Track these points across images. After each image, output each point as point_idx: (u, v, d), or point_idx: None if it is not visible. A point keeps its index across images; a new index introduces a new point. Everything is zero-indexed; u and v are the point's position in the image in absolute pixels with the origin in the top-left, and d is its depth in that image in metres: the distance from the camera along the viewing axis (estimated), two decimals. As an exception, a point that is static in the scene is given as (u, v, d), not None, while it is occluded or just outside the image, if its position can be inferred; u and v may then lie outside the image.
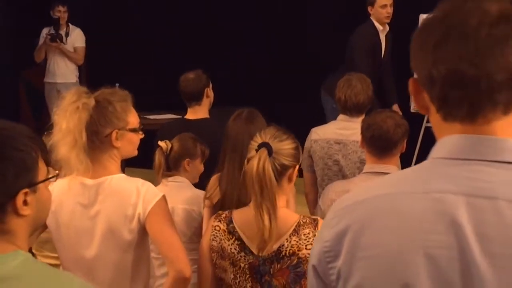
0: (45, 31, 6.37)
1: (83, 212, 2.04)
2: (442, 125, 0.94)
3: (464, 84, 0.89)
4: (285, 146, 1.97)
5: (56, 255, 2.27)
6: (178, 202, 2.77)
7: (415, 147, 5.24)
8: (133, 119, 2.14)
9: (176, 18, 6.69)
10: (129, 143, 2.12)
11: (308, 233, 1.96)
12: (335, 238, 0.94)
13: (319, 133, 3.29)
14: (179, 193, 2.80)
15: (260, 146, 1.93)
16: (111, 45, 6.69)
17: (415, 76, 0.98)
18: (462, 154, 0.91)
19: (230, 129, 2.59)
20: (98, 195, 2.03)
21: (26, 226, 1.32)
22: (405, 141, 2.61)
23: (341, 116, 3.29)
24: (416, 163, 5.06)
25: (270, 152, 1.92)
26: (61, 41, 6.28)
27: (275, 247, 1.95)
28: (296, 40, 6.21)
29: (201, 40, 6.51)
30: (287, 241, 1.95)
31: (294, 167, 2.01)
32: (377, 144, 2.54)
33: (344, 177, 3.13)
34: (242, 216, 2.01)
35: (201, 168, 2.94)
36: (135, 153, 2.19)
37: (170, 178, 2.84)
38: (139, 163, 4.56)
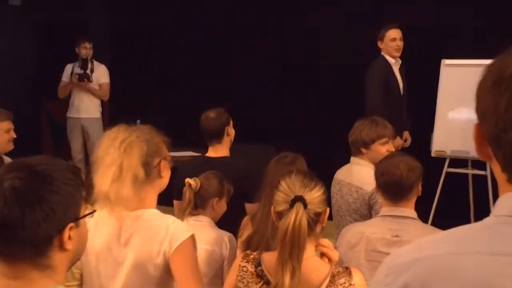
0: (69, 67, 6.47)
1: (115, 243, 2.06)
2: (506, 183, 0.89)
3: None
4: (316, 194, 1.94)
5: (71, 283, 2.26)
6: (200, 243, 2.72)
7: (435, 192, 5.19)
8: (167, 151, 2.20)
9: (196, 55, 6.79)
10: (167, 174, 2.16)
11: (344, 283, 1.93)
12: None
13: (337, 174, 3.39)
14: (202, 233, 2.75)
15: (295, 200, 1.89)
16: (131, 81, 6.81)
17: (479, 122, 0.93)
18: None
19: (271, 169, 2.66)
20: (131, 228, 2.04)
21: (67, 261, 1.34)
22: (420, 184, 2.61)
23: (353, 158, 3.35)
24: (437, 208, 5.08)
25: (305, 205, 1.89)
26: (89, 80, 6.37)
27: None
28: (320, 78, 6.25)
29: (221, 76, 6.59)
30: None
31: (326, 211, 1.99)
32: (391, 190, 2.55)
33: (339, 217, 3.25)
34: (272, 260, 1.94)
35: (225, 207, 2.92)
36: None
37: (192, 218, 2.81)
38: (159, 200, 4.57)
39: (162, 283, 2.04)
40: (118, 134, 2.05)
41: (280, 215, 1.92)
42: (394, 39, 4.91)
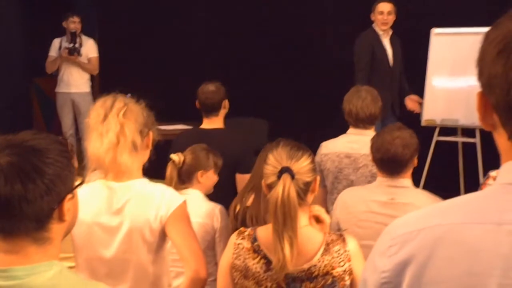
0: (57, 42, 6.41)
1: (108, 213, 2.08)
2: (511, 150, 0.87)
3: None
4: (303, 163, 1.94)
5: (65, 255, 2.28)
6: (191, 216, 2.74)
7: (425, 160, 5.23)
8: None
9: (189, 27, 6.74)
10: (150, 146, 2.18)
11: (339, 250, 1.94)
12: (395, 269, 0.85)
13: (329, 147, 3.30)
14: (192, 207, 2.77)
15: (282, 172, 1.90)
16: (123, 54, 6.75)
17: (482, 89, 0.91)
18: None
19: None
20: (124, 196, 2.07)
21: (63, 232, 1.36)
22: (416, 157, 2.63)
23: (351, 129, 3.29)
24: (427, 177, 5.12)
25: (292, 176, 1.90)
26: (79, 54, 6.32)
27: (306, 266, 1.92)
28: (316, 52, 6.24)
29: (211, 49, 6.55)
30: (319, 262, 1.92)
31: (316, 179, 2.00)
32: (387, 166, 2.59)
33: None
34: (267, 234, 1.95)
35: (215, 178, 2.94)
36: None
37: (182, 191, 2.80)
38: (152, 174, 4.58)
39: (155, 249, 2.08)
40: (115, 102, 2.08)
41: (270, 188, 1.93)
42: (381, 13, 5.01)
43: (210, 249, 2.75)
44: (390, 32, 5.06)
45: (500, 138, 0.88)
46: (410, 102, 5.21)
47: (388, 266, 0.86)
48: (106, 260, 2.08)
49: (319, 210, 2.08)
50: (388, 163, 2.57)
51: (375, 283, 0.88)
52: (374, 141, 2.66)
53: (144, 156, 2.15)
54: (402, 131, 2.63)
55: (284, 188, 1.86)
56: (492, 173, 2.46)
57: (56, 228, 1.32)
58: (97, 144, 2.03)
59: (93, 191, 2.09)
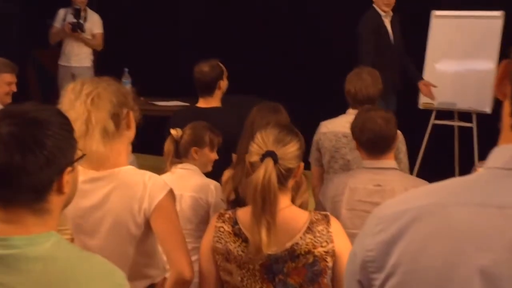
0: (62, 12, 6.30)
1: (89, 204, 2.01)
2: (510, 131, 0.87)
3: None
4: (289, 149, 1.92)
5: (63, 227, 2.28)
6: (186, 190, 2.79)
7: (421, 143, 5.25)
8: (134, 102, 2.10)
9: (192, 3, 6.69)
10: (134, 125, 2.06)
11: (322, 230, 1.92)
12: (380, 248, 0.87)
13: (328, 126, 3.31)
14: (188, 181, 2.82)
15: (265, 155, 1.88)
16: (123, 29, 6.71)
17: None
18: None
19: (250, 118, 2.69)
20: (107, 186, 1.99)
21: (62, 204, 1.36)
22: (397, 133, 2.66)
23: (350, 110, 3.30)
24: (422, 160, 5.14)
25: (275, 161, 1.88)
26: (82, 30, 6.23)
27: (288, 245, 1.90)
28: (318, 38, 6.21)
29: (214, 26, 6.52)
30: (301, 239, 1.91)
31: (300, 166, 1.98)
32: (374, 145, 2.58)
33: (349, 170, 3.13)
34: (246, 216, 1.93)
35: (212, 156, 2.95)
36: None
37: (179, 166, 2.87)
38: (150, 149, 4.60)
39: (142, 241, 2.00)
40: (83, 86, 1.96)
41: (252, 166, 1.92)
42: None
43: (204, 224, 2.77)
44: (391, 13, 5.05)
45: (506, 109, 0.87)
46: (425, 88, 5.17)
47: (373, 245, 0.87)
48: (90, 249, 1.97)
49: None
50: (375, 142, 2.56)
51: (360, 261, 0.89)
52: (354, 125, 2.66)
53: (126, 138, 2.03)
54: (376, 110, 2.67)
55: (266, 172, 1.84)
56: (479, 166, 2.48)
57: (55, 200, 1.32)
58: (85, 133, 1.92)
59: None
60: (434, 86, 5.11)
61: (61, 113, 1.38)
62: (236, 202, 2.59)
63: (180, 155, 2.90)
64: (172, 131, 2.88)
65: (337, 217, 2.21)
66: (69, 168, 1.33)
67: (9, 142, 1.24)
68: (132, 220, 1.96)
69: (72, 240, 2.15)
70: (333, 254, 1.92)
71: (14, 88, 3.99)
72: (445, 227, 0.83)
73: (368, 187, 2.55)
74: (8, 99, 3.98)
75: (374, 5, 5.00)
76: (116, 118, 1.96)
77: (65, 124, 1.34)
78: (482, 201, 0.82)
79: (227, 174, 2.76)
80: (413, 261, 0.83)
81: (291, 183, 1.97)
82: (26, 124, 1.27)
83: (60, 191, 1.32)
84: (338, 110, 3.41)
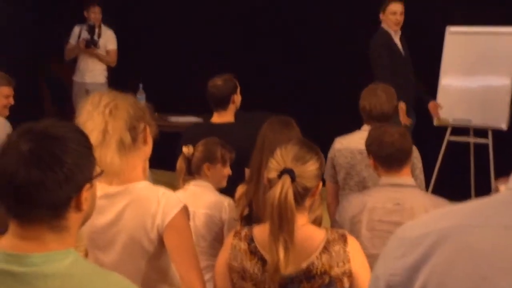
0: (77, 29, 6.38)
1: (104, 221, 2.00)
2: None
3: None
4: (308, 168, 1.90)
5: (80, 243, 2.28)
6: (199, 207, 2.78)
7: (436, 160, 5.21)
8: (151, 118, 2.10)
9: (205, 20, 6.73)
10: (151, 141, 2.06)
11: (339, 250, 1.89)
12: (405, 274, 0.85)
13: (343, 143, 3.29)
14: (201, 198, 2.82)
15: (283, 172, 1.86)
16: (137, 45, 6.76)
17: None
18: None
19: (264, 135, 2.68)
20: (121, 202, 1.98)
21: (79, 222, 1.36)
22: (413, 148, 2.68)
23: (365, 126, 3.28)
24: (438, 177, 5.08)
25: (293, 179, 1.85)
26: (96, 46, 6.30)
27: (304, 265, 1.88)
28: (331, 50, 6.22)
29: (227, 42, 6.54)
30: (317, 259, 1.88)
31: (318, 185, 1.96)
32: (395, 159, 2.57)
33: (364, 188, 3.11)
34: (263, 234, 1.90)
35: (225, 172, 2.93)
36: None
37: (192, 183, 2.86)
38: (162, 165, 4.60)
39: (155, 257, 1.99)
40: (102, 98, 1.97)
41: (270, 183, 1.90)
42: (394, 13, 4.97)
43: (218, 241, 2.76)
44: (399, 32, 5.05)
45: None
46: (434, 108, 5.18)
47: (399, 270, 0.86)
48: (105, 265, 1.99)
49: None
50: (395, 155, 2.55)
51: (384, 286, 0.88)
52: (370, 142, 2.65)
53: (143, 153, 2.03)
54: (389, 126, 2.69)
55: (282, 190, 1.82)
56: (500, 184, 2.45)
57: (73, 217, 1.31)
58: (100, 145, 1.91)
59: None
60: (441, 108, 5.13)
61: (80, 130, 1.38)
62: (250, 217, 2.57)
63: (193, 172, 2.89)
64: (184, 149, 2.88)
65: (357, 238, 2.18)
66: (87, 185, 1.32)
67: (28, 158, 1.24)
68: (145, 236, 1.95)
69: (86, 255, 2.15)
70: (350, 275, 1.90)
71: (11, 101, 4.03)
72: (469, 249, 0.82)
73: (387, 206, 2.52)
74: (6, 112, 4.02)
75: (383, 25, 5.01)
76: (133, 131, 1.96)
77: (84, 141, 1.34)
78: (507, 222, 0.81)
79: (240, 189, 2.75)
80: (440, 285, 0.82)
81: (308, 202, 1.95)
82: (45, 140, 1.27)
83: (78, 208, 1.31)
84: (350, 125, 3.40)
